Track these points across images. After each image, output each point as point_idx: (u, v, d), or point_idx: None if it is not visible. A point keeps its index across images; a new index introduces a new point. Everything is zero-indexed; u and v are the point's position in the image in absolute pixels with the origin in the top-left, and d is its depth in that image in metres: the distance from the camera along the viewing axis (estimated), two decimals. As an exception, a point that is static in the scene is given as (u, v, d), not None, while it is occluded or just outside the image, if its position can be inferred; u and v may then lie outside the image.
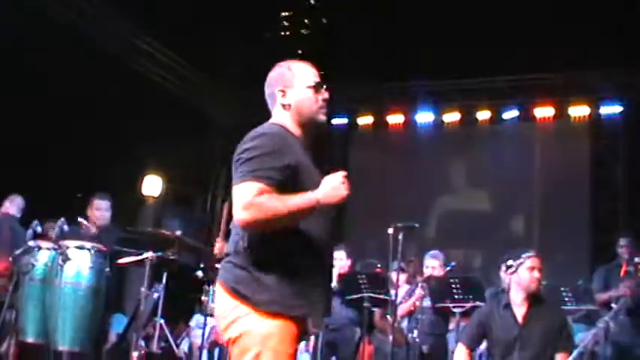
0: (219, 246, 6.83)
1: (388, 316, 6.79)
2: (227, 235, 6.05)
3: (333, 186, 3.11)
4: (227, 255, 3.21)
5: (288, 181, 3.06)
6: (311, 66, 3.43)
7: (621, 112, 11.47)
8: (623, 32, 9.97)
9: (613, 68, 11.17)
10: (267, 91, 3.44)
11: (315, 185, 3.16)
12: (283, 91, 3.33)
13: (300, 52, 13.63)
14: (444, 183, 12.57)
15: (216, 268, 6.64)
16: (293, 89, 3.33)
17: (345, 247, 8.30)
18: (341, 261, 7.99)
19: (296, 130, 3.32)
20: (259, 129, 3.22)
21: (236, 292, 3.05)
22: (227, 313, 3.07)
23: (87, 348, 6.33)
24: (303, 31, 13.69)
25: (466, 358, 5.62)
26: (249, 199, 2.97)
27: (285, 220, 3.02)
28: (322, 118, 3.39)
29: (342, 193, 3.11)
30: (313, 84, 3.35)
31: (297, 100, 3.32)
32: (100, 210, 7.58)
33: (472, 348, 5.68)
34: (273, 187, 3.01)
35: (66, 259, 6.25)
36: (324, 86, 3.37)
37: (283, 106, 3.34)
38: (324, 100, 3.37)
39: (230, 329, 3.06)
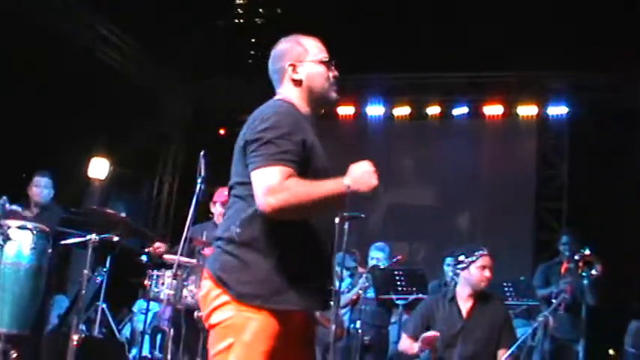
0: (157, 246, 6.77)
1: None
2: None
3: (364, 173, 2.98)
4: (217, 239, 3.06)
5: (302, 162, 2.93)
6: (319, 41, 3.29)
7: (567, 112, 11.63)
8: (576, 34, 10.09)
9: (563, 69, 11.34)
10: (273, 66, 3.26)
11: (324, 166, 3.08)
12: (294, 66, 3.17)
13: (253, 40, 13.57)
14: (391, 176, 12.60)
15: (160, 255, 6.63)
16: (304, 64, 3.18)
17: None
18: None
19: (304, 108, 3.17)
20: (269, 107, 3.06)
21: (220, 281, 2.93)
22: (209, 300, 2.97)
23: (26, 330, 6.23)
24: (257, 19, 13.60)
25: (411, 343, 5.61)
26: (276, 183, 2.80)
27: (314, 206, 2.89)
28: (334, 95, 3.25)
29: (373, 181, 2.99)
30: (325, 60, 3.22)
31: (308, 76, 3.17)
32: (39, 187, 7.46)
33: (415, 339, 5.61)
34: (296, 170, 2.87)
35: (6, 238, 6.14)
36: (335, 63, 3.25)
37: (294, 81, 3.18)
38: (335, 77, 3.24)
39: (210, 317, 2.97)
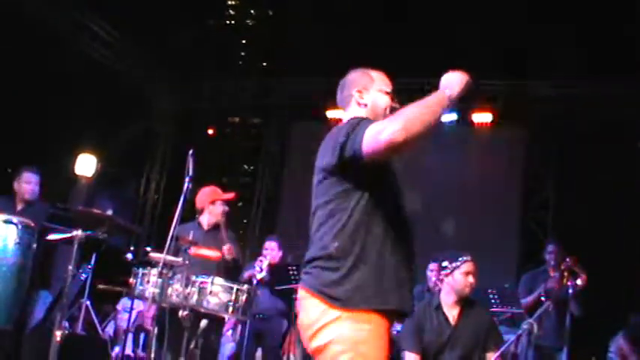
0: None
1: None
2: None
3: (453, 76, 3.12)
4: (312, 260, 3.14)
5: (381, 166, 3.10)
6: (385, 75, 3.48)
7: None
8: (565, 44, 10.17)
9: (552, 80, 11.41)
10: (342, 94, 3.50)
11: (396, 183, 3.28)
12: (360, 92, 3.39)
13: (243, 42, 13.59)
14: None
15: (146, 252, 6.60)
16: (370, 92, 3.39)
17: (277, 239, 8.35)
18: (272, 251, 8.05)
19: None
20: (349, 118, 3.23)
21: (325, 296, 2.98)
22: (314, 319, 2.99)
23: (9, 326, 6.19)
24: (248, 21, 13.63)
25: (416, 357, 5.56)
26: (382, 124, 2.90)
27: (425, 119, 2.91)
28: None
29: (465, 79, 3.10)
30: (389, 91, 3.42)
31: (373, 102, 3.37)
32: (30, 184, 7.43)
33: (421, 352, 5.51)
34: None
35: (-9, 233, 6.10)
36: (397, 96, 3.44)
37: (359, 104, 3.38)
38: (395, 108, 3.36)
39: (318, 337, 2.97)
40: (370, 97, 3.38)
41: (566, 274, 7.47)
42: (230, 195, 7.06)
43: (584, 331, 7.40)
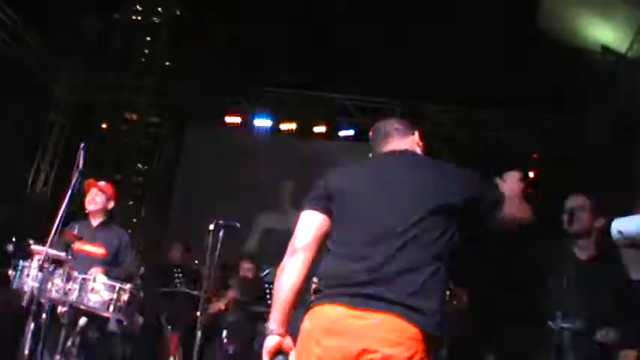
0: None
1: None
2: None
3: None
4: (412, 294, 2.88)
5: None
6: None
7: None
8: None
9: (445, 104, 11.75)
10: (402, 125, 3.56)
11: None
12: (420, 136, 3.57)
13: (148, 39, 13.45)
14: (272, 191, 12.66)
15: (28, 244, 6.41)
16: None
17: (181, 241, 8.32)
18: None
19: None
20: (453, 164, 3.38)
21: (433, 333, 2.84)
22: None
23: None
24: (155, 18, 13.52)
25: None
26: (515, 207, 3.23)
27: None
28: None
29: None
30: None
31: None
32: None
33: None
34: None
35: None
36: None
37: (417, 144, 3.52)
38: None
39: None
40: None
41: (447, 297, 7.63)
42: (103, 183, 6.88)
43: (460, 352, 7.60)
